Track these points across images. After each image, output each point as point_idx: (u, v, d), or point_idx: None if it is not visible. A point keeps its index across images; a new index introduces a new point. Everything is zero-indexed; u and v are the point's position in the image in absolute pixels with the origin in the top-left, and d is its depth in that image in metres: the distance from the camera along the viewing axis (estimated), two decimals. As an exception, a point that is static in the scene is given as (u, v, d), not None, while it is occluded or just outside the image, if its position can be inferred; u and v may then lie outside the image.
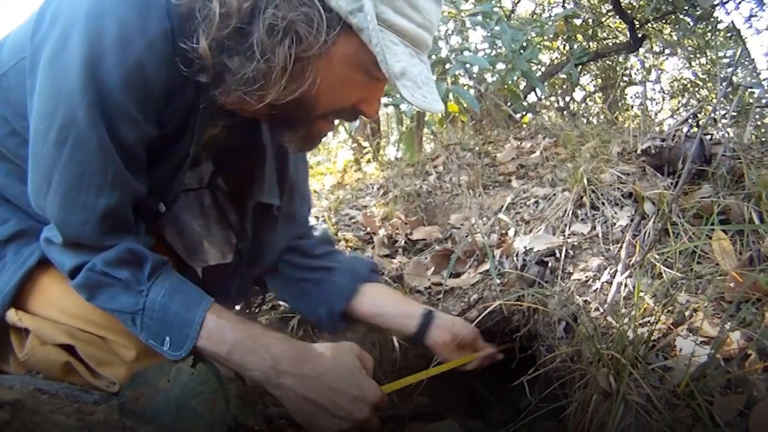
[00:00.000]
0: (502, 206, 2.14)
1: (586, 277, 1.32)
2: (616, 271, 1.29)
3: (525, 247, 1.51)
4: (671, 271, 1.21)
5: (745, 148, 1.86)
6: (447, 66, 2.41)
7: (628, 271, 1.25)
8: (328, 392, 0.99)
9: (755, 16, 4.11)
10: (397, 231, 2.26)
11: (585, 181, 1.64)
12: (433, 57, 2.22)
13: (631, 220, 1.51)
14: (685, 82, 4.56)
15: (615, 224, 1.52)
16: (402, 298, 1.42)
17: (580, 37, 3.83)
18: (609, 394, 0.93)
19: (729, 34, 4.23)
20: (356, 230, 2.38)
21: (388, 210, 2.48)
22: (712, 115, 1.93)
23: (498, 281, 1.55)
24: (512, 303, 1.43)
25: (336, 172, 3.81)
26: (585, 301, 1.24)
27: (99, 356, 1.11)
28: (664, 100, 4.31)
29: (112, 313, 1.05)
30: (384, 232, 2.24)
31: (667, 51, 4.29)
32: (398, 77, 0.89)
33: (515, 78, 2.14)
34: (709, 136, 1.78)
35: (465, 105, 4.05)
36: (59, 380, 1.13)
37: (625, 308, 1.16)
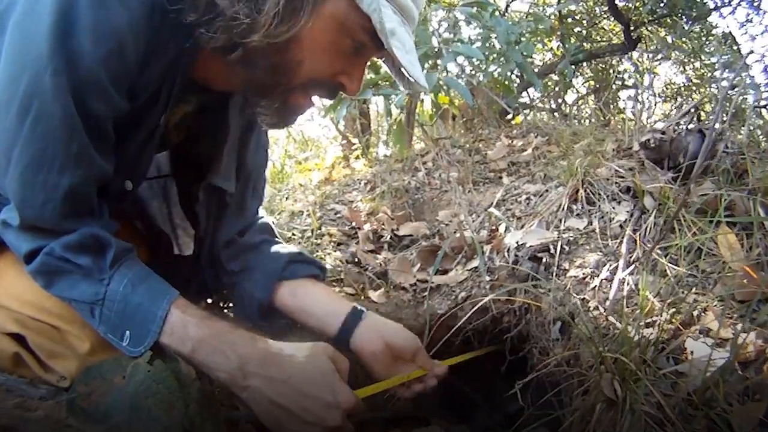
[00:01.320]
0: (492, 203, 2.02)
1: (584, 273, 1.21)
2: (616, 267, 1.17)
3: (517, 242, 1.40)
4: (677, 267, 1.09)
5: (746, 145, 1.77)
6: (438, 61, 2.30)
7: (630, 268, 1.13)
8: (298, 397, 0.89)
9: (750, 21, 4.04)
10: (383, 226, 2.14)
11: (581, 173, 1.53)
12: (425, 49, 2.11)
13: (630, 215, 1.40)
14: (679, 86, 4.48)
15: (613, 219, 1.41)
16: (330, 294, 1.24)
17: (573, 39, 3.74)
18: (614, 402, 0.81)
19: (724, 40, 4.16)
20: (341, 225, 2.27)
21: (374, 205, 2.36)
22: (714, 108, 1.83)
23: (487, 278, 1.43)
24: (503, 300, 1.31)
25: (324, 168, 3.69)
26: (583, 299, 1.12)
27: (50, 348, 1.00)
28: (656, 104, 4.23)
29: (70, 303, 0.95)
30: (369, 227, 2.12)
31: (660, 55, 4.21)
32: (390, 35, 0.85)
33: (510, 71, 2.03)
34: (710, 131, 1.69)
35: (456, 102, 3.95)
36: (8, 372, 1.02)
37: (628, 307, 1.05)
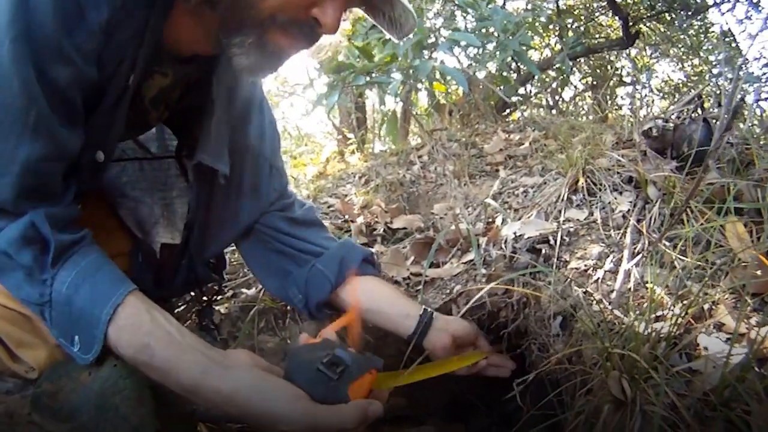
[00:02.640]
0: (488, 196, 1.95)
1: (586, 265, 1.13)
2: (620, 258, 1.09)
3: (515, 233, 1.32)
4: (684, 258, 1.01)
5: (752, 135, 1.70)
6: (433, 51, 2.22)
7: (636, 258, 1.05)
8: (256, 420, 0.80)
9: (749, 18, 3.97)
10: (377, 219, 2.06)
11: (582, 163, 1.45)
12: (419, 37, 2.03)
13: (633, 206, 1.32)
14: (677, 83, 4.41)
15: (615, 210, 1.33)
16: (398, 294, 1.24)
17: (571, 33, 3.66)
18: (623, 402, 0.73)
19: (723, 37, 4.09)
20: (334, 218, 2.19)
21: (368, 198, 2.28)
22: (719, 98, 1.75)
23: (483, 270, 1.36)
24: (500, 294, 1.23)
25: (319, 163, 3.61)
26: (585, 292, 1.04)
27: (19, 336, 0.93)
28: (653, 102, 4.16)
29: (22, 303, 0.87)
30: (362, 220, 2.04)
31: (657, 52, 4.14)
32: None
33: (508, 59, 1.95)
34: (714, 120, 1.62)
35: (453, 97, 3.87)
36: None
37: (634, 300, 0.97)
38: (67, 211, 0.90)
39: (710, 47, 4.36)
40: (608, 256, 1.12)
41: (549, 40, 4.25)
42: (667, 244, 1.12)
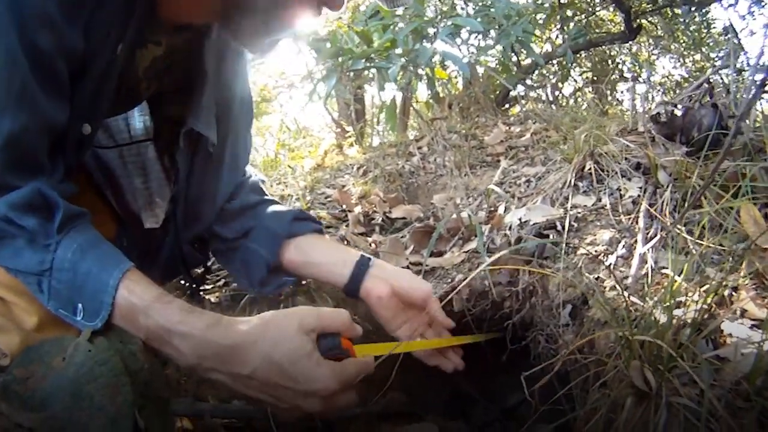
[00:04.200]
0: (490, 185, 1.88)
1: (596, 251, 1.06)
2: (633, 243, 1.02)
3: (520, 220, 1.25)
4: (701, 241, 0.94)
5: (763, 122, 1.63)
6: (434, 40, 2.15)
7: (652, 242, 0.98)
8: (267, 388, 0.79)
9: (752, 14, 3.91)
10: (375, 209, 1.99)
11: (590, 148, 1.38)
12: (419, 22, 1.95)
13: (643, 191, 1.25)
14: (678, 79, 4.35)
15: (624, 195, 1.26)
16: (336, 245, 1.19)
17: (572, 25, 3.60)
18: (646, 395, 0.66)
19: (725, 33, 4.02)
20: (331, 208, 2.12)
21: (366, 189, 2.21)
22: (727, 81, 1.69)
23: (487, 258, 1.28)
24: (505, 283, 1.16)
25: (317, 155, 3.55)
26: (597, 278, 0.97)
27: None
28: (654, 99, 4.09)
29: (16, 276, 0.82)
30: (360, 209, 1.97)
31: (659, 48, 4.08)
32: None
33: (510, 45, 1.88)
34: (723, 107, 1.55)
35: (452, 90, 3.80)
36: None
37: (650, 286, 0.90)
38: (64, 186, 0.86)
39: (711, 43, 4.29)
40: (620, 242, 1.05)
41: (550, 33, 4.18)
42: (681, 228, 1.05)
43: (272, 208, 1.20)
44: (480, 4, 2.35)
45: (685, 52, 4.37)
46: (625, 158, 1.42)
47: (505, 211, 1.52)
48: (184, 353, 0.79)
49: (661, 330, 0.74)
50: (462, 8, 2.57)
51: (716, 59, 4.38)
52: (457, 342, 1.12)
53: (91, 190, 1.16)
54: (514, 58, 3.32)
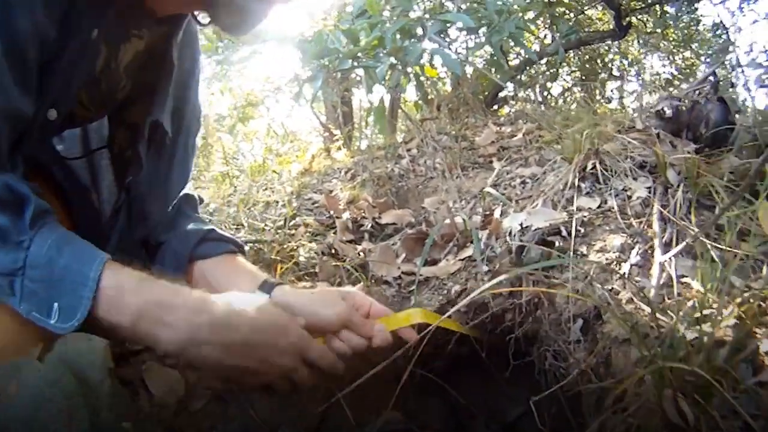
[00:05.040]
0: (483, 188, 1.78)
1: (607, 259, 0.95)
2: (648, 249, 0.92)
3: (521, 225, 1.14)
4: (728, 248, 0.84)
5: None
6: (422, 40, 2.05)
7: (675, 250, 0.88)
8: (254, 352, 0.81)
9: (741, 10, 3.84)
10: (364, 214, 1.88)
11: (593, 146, 1.28)
12: (406, 21, 1.85)
13: (652, 192, 1.15)
14: (668, 76, 4.29)
15: (631, 197, 1.16)
16: (241, 270, 1.07)
17: (561, 23, 3.51)
18: (680, 428, 0.56)
19: (715, 30, 3.97)
20: (318, 214, 2.01)
21: (354, 193, 2.10)
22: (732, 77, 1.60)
23: (485, 268, 1.18)
24: (506, 294, 1.06)
25: (304, 160, 3.44)
26: (611, 290, 0.87)
27: None
28: (643, 97, 4.02)
29: None
30: (348, 215, 1.86)
31: (649, 45, 4.01)
32: None
33: (502, 40, 1.79)
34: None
35: (441, 91, 3.70)
36: None
37: (669, 298, 0.80)
38: (28, 184, 0.78)
39: (701, 40, 4.23)
40: (633, 248, 0.95)
41: (539, 33, 4.10)
42: (695, 230, 0.95)
43: (187, 226, 1.11)
44: (469, 2, 2.26)
45: (674, 50, 4.31)
46: (629, 156, 1.33)
47: (502, 215, 1.42)
48: (177, 327, 0.76)
49: (692, 351, 0.64)
50: (452, 5, 2.47)
51: (706, 57, 4.32)
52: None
53: (50, 191, 1.07)
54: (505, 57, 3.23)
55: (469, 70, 4.13)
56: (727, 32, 3.81)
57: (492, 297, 1.08)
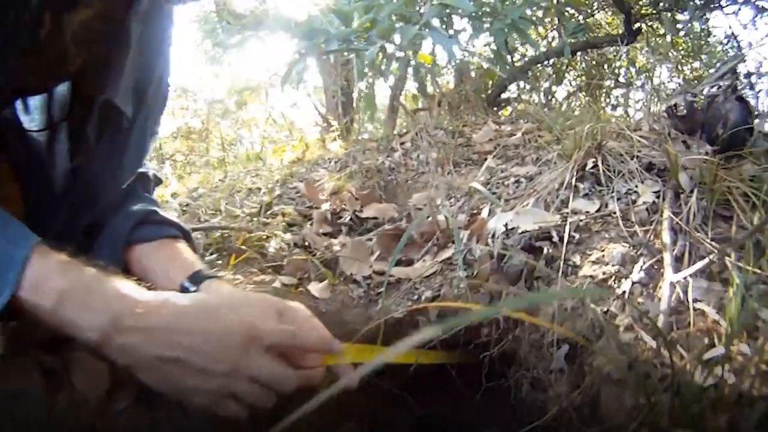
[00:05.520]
0: (472, 184, 1.59)
1: (604, 272, 0.77)
2: (655, 264, 0.74)
3: (506, 226, 0.96)
4: (739, 264, 0.66)
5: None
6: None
7: (692, 269, 0.69)
8: (186, 338, 0.70)
9: (754, 23, 3.63)
10: (344, 206, 1.70)
11: (594, 142, 1.10)
12: (400, 4, 1.67)
13: (661, 197, 0.97)
14: (675, 87, 4.08)
15: (636, 201, 0.98)
16: (177, 257, 0.95)
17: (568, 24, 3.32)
18: None
19: (727, 41, 3.76)
20: (300, 204, 1.83)
21: (339, 184, 1.92)
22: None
23: (463, 273, 1.00)
24: (483, 306, 0.87)
25: (298, 149, 3.27)
26: (606, 312, 0.69)
27: None
28: (649, 105, 3.83)
29: None
30: (328, 206, 1.68)
31: (657, 53, 3.81)
32: None
33: (505, 28, 1.61)
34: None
35: (442, 88, 3.52)
36: None
37: (679, 328, 0.61)
38: None
39: (711, 51, 4.02)
40: (636, 261, 0.77)
41: (546, 34, 3.90)
42: (712, 245, 0.77)
43: (135, 206, 1.01)
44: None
45: (683, 60, 4.10)
46: (635, 156, 1.14)
47: (489, 215, 1.24)
48: (101, 313, 0.69)
49: (708, 406, 0.46)
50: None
51: (715, 70, 4.11)
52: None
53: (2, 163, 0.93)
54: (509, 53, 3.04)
55: (472, 66, 3.95)
56: (738, 44, 3.61)
57: (464, 309, 0.90)
